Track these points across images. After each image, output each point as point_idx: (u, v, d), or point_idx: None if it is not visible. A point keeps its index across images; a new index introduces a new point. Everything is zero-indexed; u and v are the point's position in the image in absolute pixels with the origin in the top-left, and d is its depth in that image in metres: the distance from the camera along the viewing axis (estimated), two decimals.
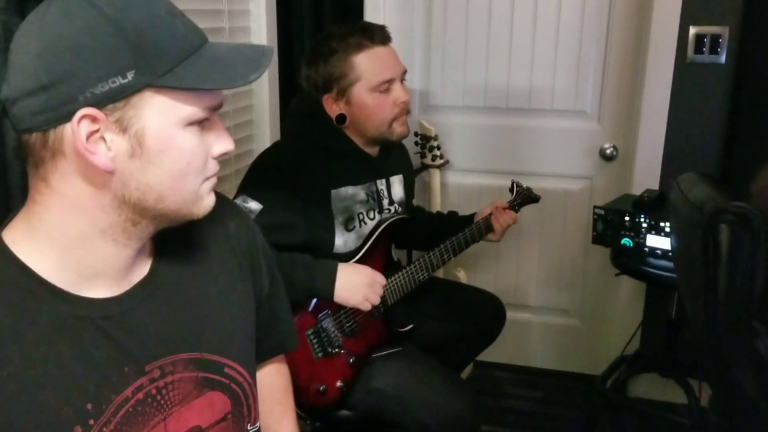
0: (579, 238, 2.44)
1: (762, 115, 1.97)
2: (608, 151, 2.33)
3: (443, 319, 1.86)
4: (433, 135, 2.31)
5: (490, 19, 2.34)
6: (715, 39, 2.03)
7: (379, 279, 1.53)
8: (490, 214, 1.80)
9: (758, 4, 1.94)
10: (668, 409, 2.29)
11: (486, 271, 2.57)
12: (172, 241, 0.82)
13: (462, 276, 2.40)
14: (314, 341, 1.54)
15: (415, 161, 2.12)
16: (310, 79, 1.60)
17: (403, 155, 1.83)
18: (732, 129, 2.07)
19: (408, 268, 1.67)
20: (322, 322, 1.55)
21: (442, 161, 2.33)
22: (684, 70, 2.09)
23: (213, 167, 0.77)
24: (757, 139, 1.94)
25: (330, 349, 1.55)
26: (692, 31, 2.05)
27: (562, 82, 2.34)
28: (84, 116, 0.65)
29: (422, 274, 1.68)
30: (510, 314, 1.97)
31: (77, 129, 0.65)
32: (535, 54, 2.34)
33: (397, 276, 1.64)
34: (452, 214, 1.95)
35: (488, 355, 2.05)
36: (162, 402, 0.78)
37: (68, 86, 0.64)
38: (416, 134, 2.31)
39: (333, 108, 1.59)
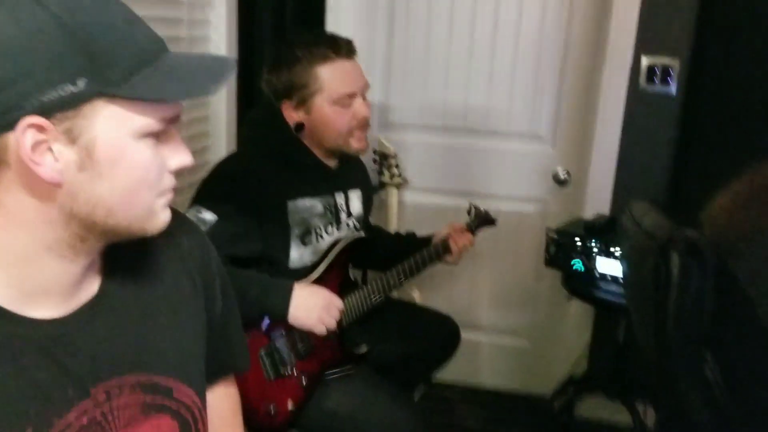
0: (531, 260, 2.47)
1: (710, 145, 2.04)
2: (561, 175, 2.37)
3: (398, 340, 1.84)
4: (392, 153, 2.31)
5: (451, 40, 2.37)
6: (666, 70, 2.09)
7: (336, 302, 1.51)
8: (448, 236, 1.80)
9: (709, 37, 2.01)
10: (614, 431, 2.33)
11: (440, 290, 2.57)
12: (123, 257, 0.79)
13: (417, 296, 2.40)
14: (267, 361, 1.50)
15: (373, 179, 2.12)
16: (270, 83, 1.58)
17: (362, 170, 1.82)
18: (681, 157, 2.13)
19: (364, 289, 1.65)
20: (276, 342, 1.51)
21: (400, 180, 2.33)
22: (636, 99, 2.15)
23: (169, 182, 0.74)
24: (705, 168, 2.01)
25: (282, 370, 1.52)
26: (644, 61, 2.11)
27: (519, 106, 2.38)
28: (30, 125, 0.61)
29: (378, 297, 1.66)
30: (462, 334, 1.98)
31: (22, 138, 0.61)
32: (493, 77, 2.37)
33: (353, 297, 1.62)
34: (410, 235, 1.95)
35: (439, 374, 2.05)
36: (106, 427, 0.74)
37: (13, 92, 0.61)
38: (375, 152, 2.30)
39: (291, 115, 1.57)
